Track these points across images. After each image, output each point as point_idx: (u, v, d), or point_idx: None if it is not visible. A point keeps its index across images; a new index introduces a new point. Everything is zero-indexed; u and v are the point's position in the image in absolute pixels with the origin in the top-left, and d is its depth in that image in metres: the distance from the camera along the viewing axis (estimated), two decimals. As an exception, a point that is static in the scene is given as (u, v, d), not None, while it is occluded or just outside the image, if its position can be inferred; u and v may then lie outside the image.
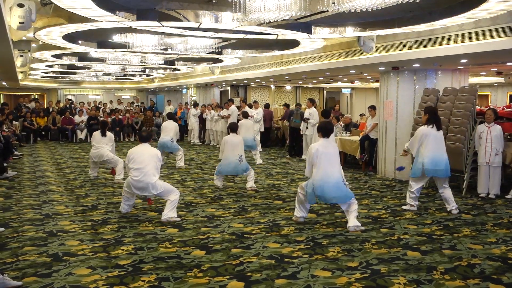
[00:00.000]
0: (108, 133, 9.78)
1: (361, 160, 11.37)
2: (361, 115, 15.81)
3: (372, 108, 11.73)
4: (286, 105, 16.39)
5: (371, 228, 6.11)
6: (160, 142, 11.42)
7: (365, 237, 5.72)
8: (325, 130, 6.13)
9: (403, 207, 7.31)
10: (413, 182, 7.20)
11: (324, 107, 22.85)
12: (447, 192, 7.07)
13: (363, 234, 5.82)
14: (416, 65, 9.68)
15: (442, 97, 9.42)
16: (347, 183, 6.21)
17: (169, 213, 6.40)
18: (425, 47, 8.59)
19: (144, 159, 6.43)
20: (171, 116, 12.50)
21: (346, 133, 12.29)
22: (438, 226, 6.27)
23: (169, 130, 11.45)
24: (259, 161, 12.25)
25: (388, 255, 5.05)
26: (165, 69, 19.01)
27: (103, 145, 9.59)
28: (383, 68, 10.51)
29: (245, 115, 12.02)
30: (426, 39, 8.55)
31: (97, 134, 9.73)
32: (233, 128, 8.89)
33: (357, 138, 11.46)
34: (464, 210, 7.22)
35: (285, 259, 4.88)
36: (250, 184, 8.66)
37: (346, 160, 12.03)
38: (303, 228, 6.07)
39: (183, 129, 19.01)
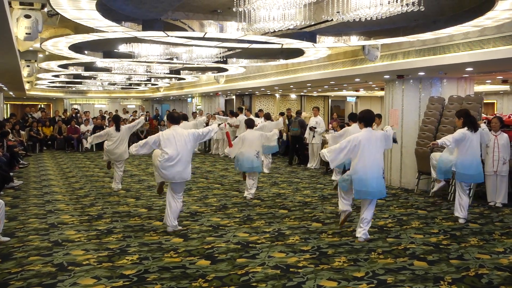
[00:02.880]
0: (122, 127, 9.59)
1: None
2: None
3: (378, 116, 11.69)
4: (281, 114, 16.39)
5: (377, 238, 6.07)
6: None
7: (371, 246, 5.68)
8: (367, 120, 5.84)
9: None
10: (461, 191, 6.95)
11: (329, 116, 22.85)
12: (464, 199, 6.97)
13: (369, 244, 5.78)
14: (421, 73, 9.67)
15: (448, 106, 9.40)
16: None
17: (176, 221, 6.38)
18: (430, 55, 8.58)
19: (178, 144, 6.17)
20: (185, 117, 12.33)
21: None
22: (445, 236, 6.22)
23: None
24: (266, 170, 12.23)
25: (394, 265, 5.00)
26: (170, 78, 19.08)
27: (121, 142, 9.32)
28: (388, 76, 10.50)
29: (268, 116, 12.43)
30: (431, 48, 8.54)
31: (112, 130, 9.45)
32: (249, 124, 8.89)
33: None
34: (471, 219, 7.16)
35: (291, 269, 4.85)
36: (251, 193, 8.66)
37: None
38: (308, 238, 6.04)
39: None
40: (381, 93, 20.74)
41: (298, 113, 14.86)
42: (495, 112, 17.60)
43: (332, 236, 6.13)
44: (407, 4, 5.11)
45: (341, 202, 6.32)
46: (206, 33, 7.92)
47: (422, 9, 5.14)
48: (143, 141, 6.23)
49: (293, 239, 5.97)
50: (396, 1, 5.08)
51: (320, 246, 5.69)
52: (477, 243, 5.87)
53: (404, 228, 6.62)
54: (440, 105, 9.53)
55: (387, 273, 4.76)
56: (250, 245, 5.71)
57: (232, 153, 8.68)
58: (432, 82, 10.14)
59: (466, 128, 6.80)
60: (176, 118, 6.48)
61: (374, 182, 5.75)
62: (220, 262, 5.08)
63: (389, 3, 5.13)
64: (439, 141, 6.70)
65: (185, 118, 12.30)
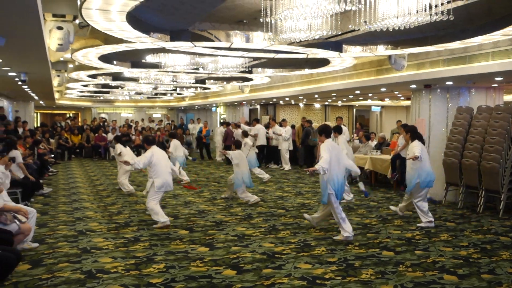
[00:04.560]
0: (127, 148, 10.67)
1: (392, 180, 11.16)
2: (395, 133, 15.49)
3: (403, 126, 11.54)
4: (293, 126, 16.32)
5: (405, 250, 5.97)
6: (182, 160, 11.87)
7: (399, 259, 5.59)
8: (328, 132, 6.75)
9: (391, 207, 8.19)
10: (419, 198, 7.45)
11: (353, 125, 22.67)
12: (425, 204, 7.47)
13: (396, 256, 5.69)
14: (449, 83, 9.53)
15: (477, 116, 9.21)
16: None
17: None
18: (458, 64, 8.46)
19: (164, 160, 7.36)
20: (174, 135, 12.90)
21: (377, 152, 12.14)
22: (475, 249, 6.07)
23: (180, 147, 12.01)
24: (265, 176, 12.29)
25: (423, 279, 4.91)
26: (195, 87, 19.30)
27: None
28: (414, 86, 10.38)
29: (245, 134, 12.50)
30: (459, 57, 8.42)
31: (120, 148, 10.53)
32: (238, 145, 9.53)
33: (388, 157, 11.28)
34: (502, 232, 6.98)
35: (317, 281, 4.80)
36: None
37: (377, 179, 11.84)
38: (335, 249, 5.98)
39: (208, 148, 19.22)
40: (407, 102, 20.50)
41: (310, 122, 14.92)
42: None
43: (358, 248, 6.05)
44: (435, 13, 5.05)
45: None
46: (232, 43, 7.99)
47: (451, 18, 5.07)
48: (147, 159, 7.21)
49: (319, 250, 5.92)
50: (425, 11, 5.03)
51: (347, 257, 5.63)
52: (509, 257, 5.71)
53: (432, 240, 6.49)
54: (468, 115, 9.35)
55: (416, 286, 4.67)
56: (276, 255, 5.69)
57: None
58: (460, 92, 9.97)
59: (417, 141, 7.47)
60: (152, 140, 7.58)
61: (341, 185, 6.54)
62: (246, 272, 5.07)
63: (417, 12, 5.09)
64: (417, 154, 7.22)
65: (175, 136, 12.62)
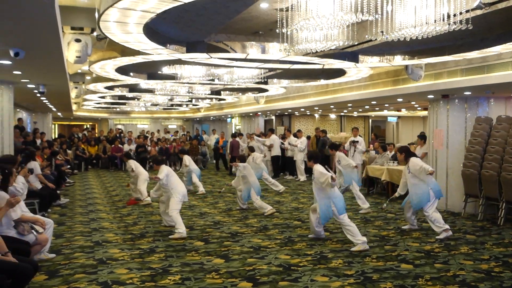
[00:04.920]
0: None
1: (410, 191, 11.00)
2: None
3: (421, 137, 11.43)
4: (308, 138, 16.22)
5: (424, 263, 5.85)
6: (199, 172, 12.51)
7: (418, 272, 5.47)
8: (316, 158, 6.94)
9: (404, 227, 7.91)
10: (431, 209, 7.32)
11: (370, 136, 22.49)
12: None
13: (416, 269, 5.58)
14: (467, 93, 9.40)
15: (496, 126, 9.06)
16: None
17: None
18: (476, 74, 8.34)
19: (175, 174, 7.74)
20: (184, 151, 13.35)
21: (394, 162, 11.98)
22: (497, 262, 5.92)
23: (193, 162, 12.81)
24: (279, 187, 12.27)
25: (444, 293, 4.79)
26: (211, 99, 19.38)
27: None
28: (432, 96, 10.26)
29: (252, 149, 12.34)
30: (478, 67, 8.30)
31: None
32: (242, 159, 9.92)
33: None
34: (525, 245, 6.81)
35: (335, 294, 4.72)
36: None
37: (394, 190, 11.65)
38: (352, 262, 5.89)
39: (224, 158, 19.22)
40: (424, 113, 20.30)
41: (324, 131, 14.91)
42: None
43: (376, 260, 5.95)
44: (454, 23, 4.98)
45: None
46: (248, 54, 8.01)
47: (470, 28, 5.00)
48: (166, 174, 7.51)
49: (336, 263, 5.83)
50: (443, 20, 4.97)
51: (364, 270, 5.53)
52: (533, 271, 5.55)
53: (452, 253, 6.35)
54: (487, 125, 9.20)
55: (436, 300, 4.56)
56: (292, 267, 5.62)
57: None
58: (478, 102, 9.83)
59: (414, 158, 7.63)
60: (161, 160, 8.06)
61: (342, 200, 6.84)
62: (262, 284, 5.01)
63: (435, 22, 5.03)
64: (431, 169, 7.27)
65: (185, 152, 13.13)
